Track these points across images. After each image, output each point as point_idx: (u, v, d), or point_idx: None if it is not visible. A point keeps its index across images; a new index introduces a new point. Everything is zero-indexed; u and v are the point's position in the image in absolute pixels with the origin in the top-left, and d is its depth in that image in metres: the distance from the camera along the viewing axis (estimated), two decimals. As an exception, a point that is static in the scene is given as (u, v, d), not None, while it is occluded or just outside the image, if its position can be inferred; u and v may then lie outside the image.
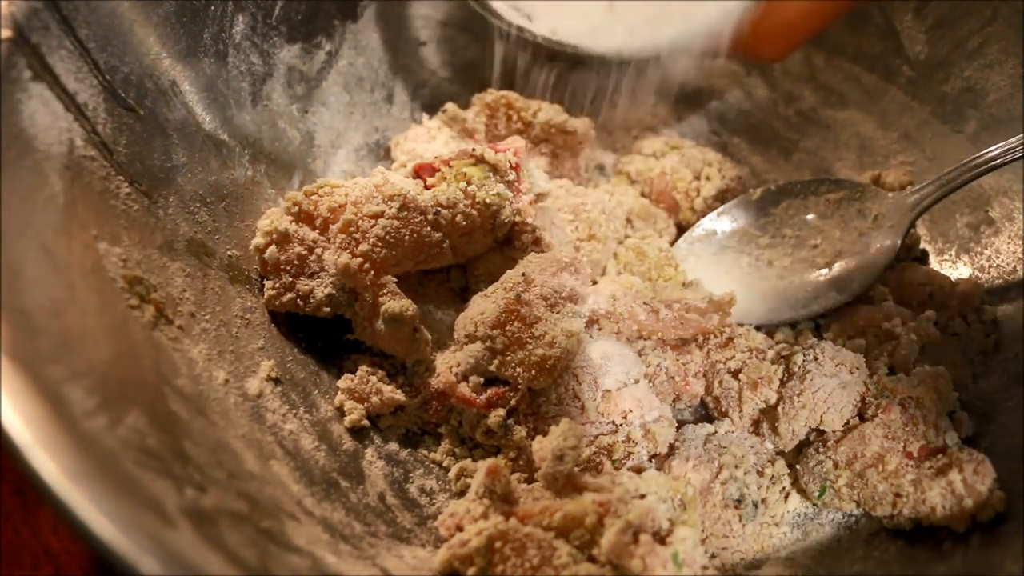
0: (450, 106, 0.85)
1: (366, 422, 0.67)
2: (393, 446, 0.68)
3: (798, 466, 0.70)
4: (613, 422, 0.67)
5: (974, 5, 0.77)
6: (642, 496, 0.58)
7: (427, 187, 0.69)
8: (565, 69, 0.82)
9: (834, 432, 0.69)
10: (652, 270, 0.78)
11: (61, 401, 0.41)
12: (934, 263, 0.81)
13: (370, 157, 0.85)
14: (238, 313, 0.64)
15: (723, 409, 0.72)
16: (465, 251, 0.71)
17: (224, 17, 0.68)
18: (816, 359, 0.70)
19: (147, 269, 0.56)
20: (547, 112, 0.84)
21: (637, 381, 0.69)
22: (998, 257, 0.77)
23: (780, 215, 0.82)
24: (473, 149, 0.70)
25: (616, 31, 0.65)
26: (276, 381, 0.63)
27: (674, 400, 0.73)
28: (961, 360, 0.74)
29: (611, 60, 0.69)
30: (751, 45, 0.63)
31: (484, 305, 0.67)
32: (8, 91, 0.49)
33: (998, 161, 0.70)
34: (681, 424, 0.71)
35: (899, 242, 0.75)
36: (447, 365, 0.69)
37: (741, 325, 0.74)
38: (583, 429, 0.65)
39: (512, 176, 0.70)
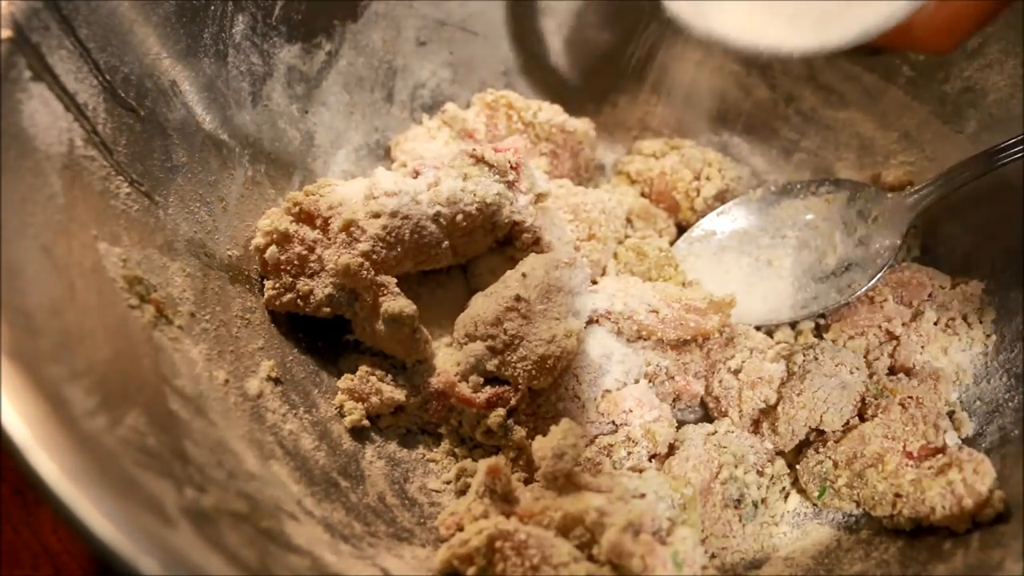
0: (450, 106, 0.85)
1: (366, 422, 0.67)
2: (393, 446, 0.68)
3: (798, 466, 0.70)
4: (613, 422, 0.67)
5: (974, 5, 0.77)
6: (642, 496, 0.58)
7: (427, 187, 0.69)
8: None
9: (834, 432, 0.69)
10: (652, 270, 0.78)
11: (61, 401, 0.41)
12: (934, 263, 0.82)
13: (370, 157, 0.85)
14: (238, 313, 0.64)
15: (723, 409, 0.72)
16: (465, 251, 0.71)
17: (224, 17, 0.68)
18: (816, 359, 0.70)
19: (147, 269, 0.56)
20: (547, 112, 0.84)
21: (637, 381, 0.69)
22: (998, 257, 0.77)
23: (780, 215, 0.82)
24: (473, 149, 0.70)
25: (785, 27, 0.62)
26: (276, 381, 0.63)
27: (674, 400, 0.73)
28: (961, 360, 0.74)
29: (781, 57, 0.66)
30: (919, 37, 0.61)
31: (484, 305, 0.67)
32: (8, 91, 0.49)
33: (998, 161, 0.70)
34: (681, 424, 0.71)
35: (899, 242, 0.75)
36: (447, 365, 0.69)
37: (741, 325, 0.74)
38: (583, 429, 0.65)
39: (512, 176, 0.70)
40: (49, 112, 0.51)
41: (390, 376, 0.69)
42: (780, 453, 0.71)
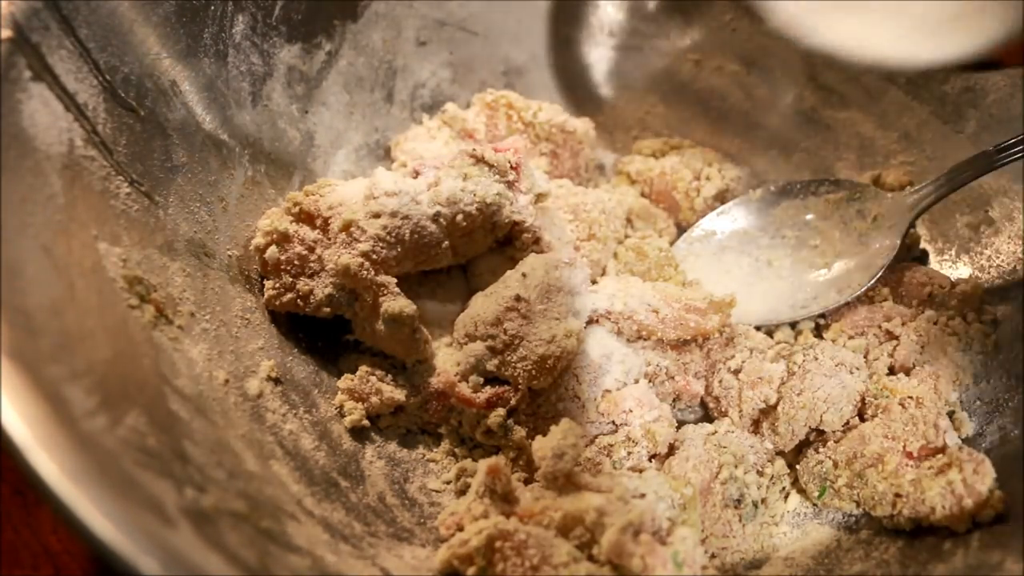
0: (450, 106, 0.85)
1: (366, 422, 0.67)
2: (393, 446, 0.68)
3: (798, 466, 0.70)
4: (613, 422, 0.67)
5: (974, 5, 0.77)
6: (642, 496, 0.58)
7: (427, 187, 0.69)
8: None
9: (834, 432, 0.69)
10: (652, 270, 0.78)
11: (61, 401, 0.41)
12: (934, 263, 0.81)
13: (370, 157, 0.85)
14: (238, 313, 0.64)
15: (723, 409, 0.72)
16: (465, 251, 0.71)
17: (224, 17, 0.68)
18: (816, 359, 0.70)
19: (147, 269, 0.56)
20: (547, 112, 0.84)
21: (637, 381, 0.69)
22: (998, 257, 0.77)
23: (780, 215, 0.82)
24: (473, 149, 0.70)
25: (901, 39, 0.59)
26: (276, 381, 0.63)
27: (674, 400, 0.73)
28: (961, 360, 0.74)
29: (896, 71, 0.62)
30: None
31: (484, 305, 0.67)
32: (8, 91, 0.49)
33: (998, 161, 0.70)
34: (681, 424, 0.71)
35: (899, 242, 0.75)
36: (447, 365, 0.69)
37: (741, 325, 0.74)
38: (583, 429, 0.65)
39: (512, 176, 0.70)
40: (49, 112, 0.51)
41: (390, 376, 0.69)
42: (780, 453, 0.71)
